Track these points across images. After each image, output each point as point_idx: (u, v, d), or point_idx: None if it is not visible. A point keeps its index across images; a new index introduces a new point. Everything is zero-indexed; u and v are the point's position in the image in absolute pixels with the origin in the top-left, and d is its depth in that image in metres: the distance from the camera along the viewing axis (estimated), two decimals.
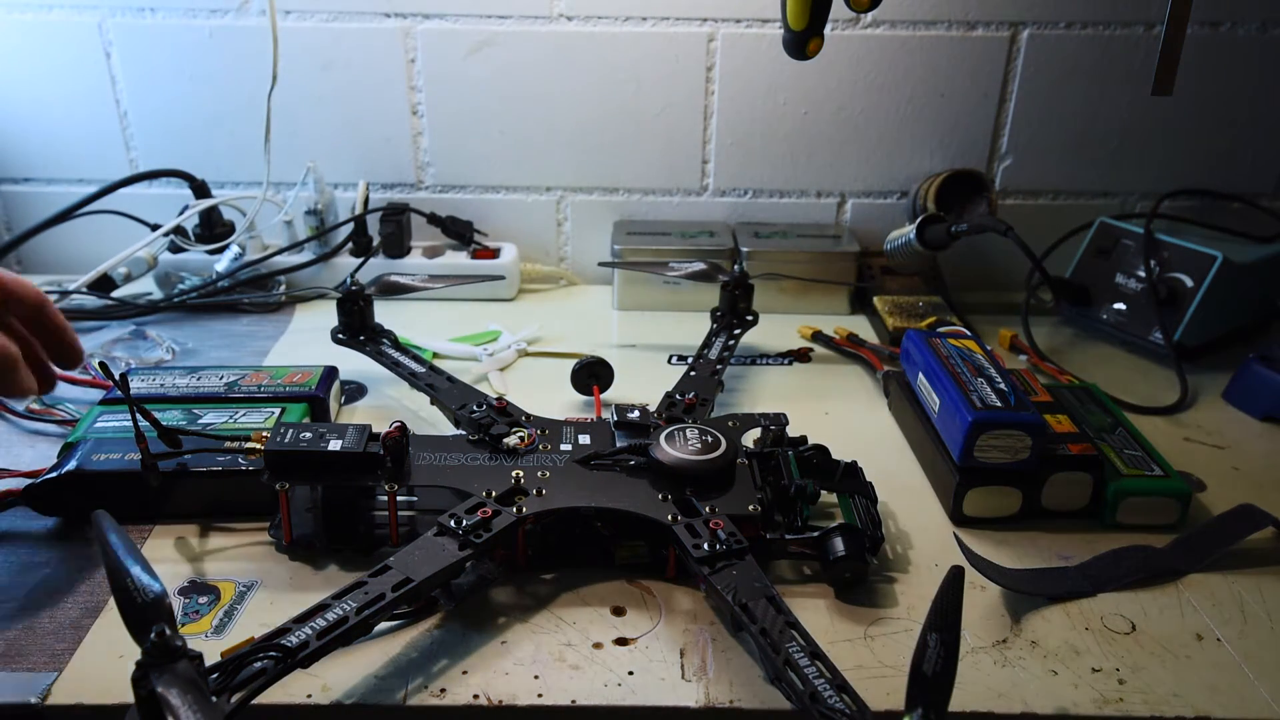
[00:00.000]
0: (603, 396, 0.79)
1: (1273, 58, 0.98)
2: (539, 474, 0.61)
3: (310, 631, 0.47)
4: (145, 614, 0.43)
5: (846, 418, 0.79)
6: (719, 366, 0.78)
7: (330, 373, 0.76)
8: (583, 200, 1.05)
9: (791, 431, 0.68)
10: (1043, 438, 0.63)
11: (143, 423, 0.58)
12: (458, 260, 1.00)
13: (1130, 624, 0.57)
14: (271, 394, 0.73)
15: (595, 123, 1.01)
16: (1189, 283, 0.88)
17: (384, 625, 0.54)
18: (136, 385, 0.73)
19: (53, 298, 0.93)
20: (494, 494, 0.58)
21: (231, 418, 0.69)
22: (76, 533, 0.62)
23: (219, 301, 0.96)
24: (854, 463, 0.65)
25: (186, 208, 0.96)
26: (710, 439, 0.62)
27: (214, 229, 0.98)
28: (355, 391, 0.81)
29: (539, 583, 0.59)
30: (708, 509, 0.58)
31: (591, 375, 0.79)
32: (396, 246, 0.98)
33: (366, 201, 0.99)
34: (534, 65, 0.98)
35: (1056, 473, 0.65)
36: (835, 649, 0.53)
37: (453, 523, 0.55)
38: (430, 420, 0.75)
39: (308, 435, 0.60)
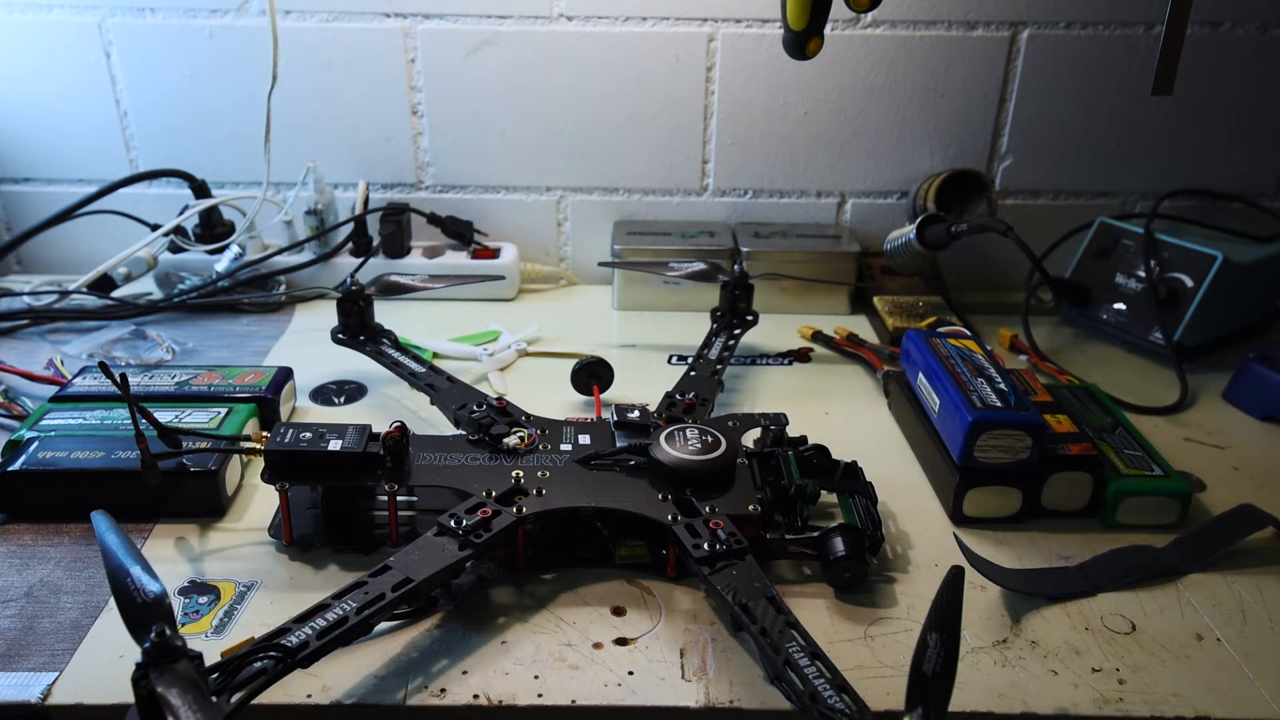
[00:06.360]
0: (603, 396, 0.79)
1: (1273, 58, 0.98)
2: (539, 474, 0.61)
3: (310, 631, 0.47)
4: (145, 614, 0.43)
5: (846, 418, 0.79)
6: (719, 366, 0.78)
7: (284, 374, 0.76)
8: (583, 200, 1.05)
9: (791, 431, 0.68)
10: (1043, 438, 0.63)
11: (143, 423, 0.58)
12: (458, 260, 1.00)
13: (1130, 624, 0.57)
14: (220, 394, 0.72)
15: (595, 123, 1.01)
16: (1189, 283, 0.88)
17: (384, 625, 0.54)
18: (89, 383, 0.73)
19: (53, 298, 0.93)
20: (494, 494, 0.58)
21: (177, 417, 0.68)
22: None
23: (219, 301, 0.96)
24: (854, 463, 0.65)
25: (186, 208, 0.96)
26: (710, 439, 0.62)
27: (214, 229, 0.97)
28: (355, 391, 0.81)
29: (539, 583, 0.59)
30: (708, 509, 0.58)
31: (591, 375, 0.79)
32: (396, 246, 0.98)
33: (366, 201, 0.99)
34: (534, 65, 0.98)
35: (1056, 473, 0.65)
36: (835, 649, 0.53)
37: (453, 523, 0.55)
38: (430, 420, 0.75)
39: (308, 435, 0.60)
